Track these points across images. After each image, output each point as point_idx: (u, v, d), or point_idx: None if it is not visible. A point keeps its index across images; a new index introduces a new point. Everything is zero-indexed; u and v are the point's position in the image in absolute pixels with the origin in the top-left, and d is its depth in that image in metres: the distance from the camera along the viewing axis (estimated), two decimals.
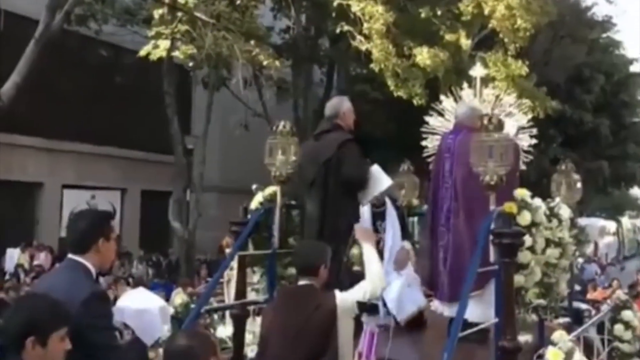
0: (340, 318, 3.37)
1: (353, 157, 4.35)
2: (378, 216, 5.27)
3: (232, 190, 16.60)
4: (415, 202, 6.15)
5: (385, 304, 4.83)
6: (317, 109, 17.61)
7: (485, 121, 3.83)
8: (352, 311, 3.42)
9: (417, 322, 5.01)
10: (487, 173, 3.72)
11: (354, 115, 4.68)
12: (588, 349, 4.82)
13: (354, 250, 4.55)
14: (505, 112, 5.11)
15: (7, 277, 12.48)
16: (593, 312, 6.41)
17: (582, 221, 5.23)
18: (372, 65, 13.13)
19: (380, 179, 4.45)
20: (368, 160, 4.46)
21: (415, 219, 6.03)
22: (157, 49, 12.71)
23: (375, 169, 4.52)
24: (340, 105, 4.62)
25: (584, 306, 6.54)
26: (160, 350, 3.41)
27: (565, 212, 4.38)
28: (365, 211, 5.07)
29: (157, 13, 12.84)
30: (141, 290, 3.20)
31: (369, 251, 3.73)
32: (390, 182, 4.53)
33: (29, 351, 2.26)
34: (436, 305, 4.71)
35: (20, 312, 2.31)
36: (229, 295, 6.41)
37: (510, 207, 3.77)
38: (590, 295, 12.41)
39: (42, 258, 14.12)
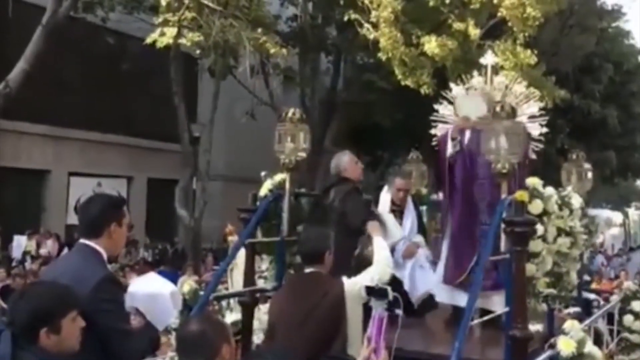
0: (348, 304, 3.38)
1: (354, 207, 4.48)
2: (397, 214, 5.36)
3: (238, 178, 16.59)
4: (423, 191, 6.13)
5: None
6: (324, 98, 17.54)
7: (498, 108, 3.81)
8: (360, 296, 3.40)
9: (429, 307, 5.02)
10: (499, 161, 3.69)
11: (358, 166, 4.82)
12: (597, 339, 4.80)
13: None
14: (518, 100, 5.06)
15: (14, 263, 12.52)
16: (602, 302, 6.37)
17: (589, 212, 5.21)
18: (379, 54, 13.02)
19: (389, 232, 4.68)
20: (367, 203, 4.70)
21: (424, 207, 6.01)
22: (163, 36, 12.63)
23: (388, 221, 4.80)
24: (339, 161, 4.80)
25: (592, 296, 6.51)
26: (171, 336, 3.41)
27: (576, 201, 4.35)
28: (385, 210, 5.22)
29: (164, 0, 12.76)
30: (152, 275, 3.18)
31: (377, 240, 3.85)
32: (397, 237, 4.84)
33: (44, 341, 2.29)
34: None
35: (26, 302, 2.31)
36: (233, 282, 6.42)
37: (522, 195, 3.74)
38: (595, 286, 12.37)
39: (50, 245, 14.16)
